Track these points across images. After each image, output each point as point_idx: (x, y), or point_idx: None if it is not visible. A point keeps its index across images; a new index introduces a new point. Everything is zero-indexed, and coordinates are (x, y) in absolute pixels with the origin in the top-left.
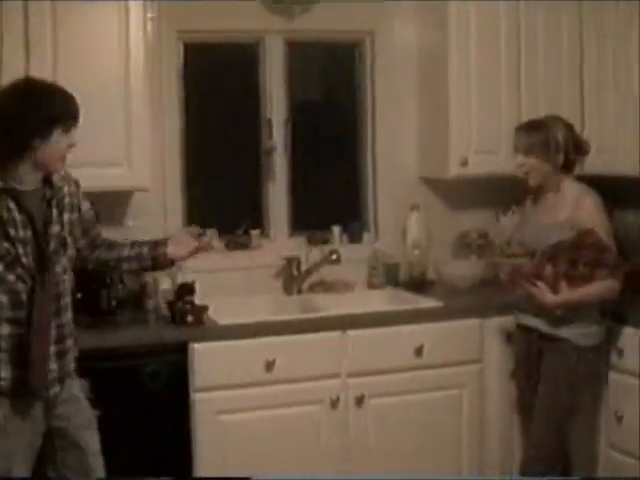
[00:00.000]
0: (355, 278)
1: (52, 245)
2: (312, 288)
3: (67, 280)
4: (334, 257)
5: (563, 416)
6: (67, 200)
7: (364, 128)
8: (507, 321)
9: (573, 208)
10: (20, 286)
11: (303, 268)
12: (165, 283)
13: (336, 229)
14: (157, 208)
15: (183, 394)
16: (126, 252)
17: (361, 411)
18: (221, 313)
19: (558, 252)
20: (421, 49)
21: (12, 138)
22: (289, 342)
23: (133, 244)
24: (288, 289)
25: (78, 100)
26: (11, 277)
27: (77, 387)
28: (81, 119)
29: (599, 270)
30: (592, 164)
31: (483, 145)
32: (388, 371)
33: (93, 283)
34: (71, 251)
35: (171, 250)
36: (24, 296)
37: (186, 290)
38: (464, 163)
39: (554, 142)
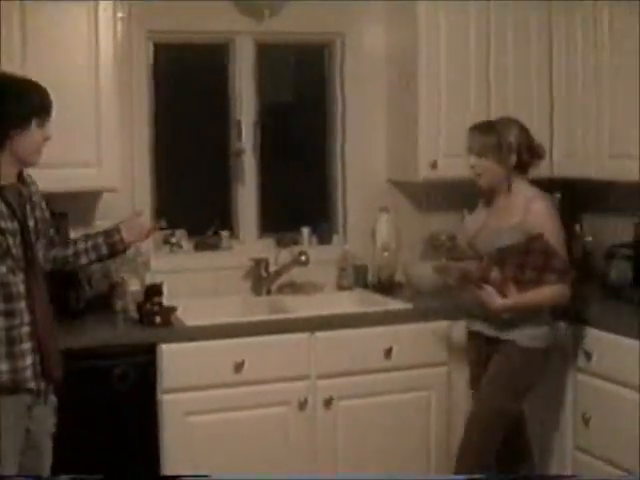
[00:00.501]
0: (324, 280)
1: (33, 237)
2: (281, 289)
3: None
4: (303, 258)
5: (498, 419)
6: (35, 198)
7: (334, 130)
8: None
9: (524, 212)
10: (11, 278)
11: (272, 269)
12: (134, 284)
13: (305, 230)
14: (126, 208)
15: (151, 395)
16: (82, 245)
17: (329, 413)
18: (190, 314)
19: (506, 256)
20: (391, 50)
21: None
22: (258, 343)
23: (87, 237)
24: (257, 290)
25: None
26: (2, 269)
27: (51, 390)
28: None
29: (547, 275)
30: (561, 166)
31: (452, 148)
32: (357, 373)
33: (61, 284)
34: (43, 248)
35: (126, 235)
36: (14, 288)
37: (154, 291)
38: (433, 166)
39: (506, 144)
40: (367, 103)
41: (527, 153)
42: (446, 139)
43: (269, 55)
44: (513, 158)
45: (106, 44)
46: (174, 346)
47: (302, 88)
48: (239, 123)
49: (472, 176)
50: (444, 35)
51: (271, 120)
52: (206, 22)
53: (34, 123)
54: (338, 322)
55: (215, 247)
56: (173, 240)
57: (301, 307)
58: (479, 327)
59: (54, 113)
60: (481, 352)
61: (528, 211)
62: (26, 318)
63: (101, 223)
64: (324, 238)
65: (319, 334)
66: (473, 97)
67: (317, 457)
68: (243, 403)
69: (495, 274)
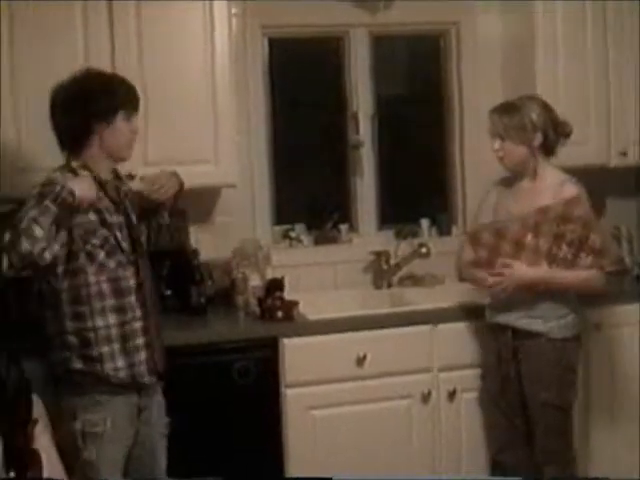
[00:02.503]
0: (445, 271)
1: (138, 233)
2: (402, 282)
3: None
4: (424, 250)
5: (560, 414)
6: (129, 196)
7: (451, 120)
8: None
9: (553, 195)
10: (120, 272)
11: (392, 262)
12: (254, 279)
13: (424, 222)
14: (245, 204)
15: (274, 390)
16: None
17: (453, 405)
18: (311, 308)
19: (543, 220)
20: (507, 40)
21: (80, 123)
22: (380, 336)
23: None
24: (377, 283)
25: (164, 98)
26: (112, 264)
27: (159, 390)
28: (168, 117)
29: (583, 255)
30: None
31: (573, 135)
32: (478, 365)
33: (182, 280)
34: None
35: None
36: (124, 283)
37: (276, 286)
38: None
39: (530, 123)
40: (483, 92)
41: (552, 131)
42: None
43: (384, 47)
44: (538, 137)
45: (221, 41)
46: (296, 340)
47: (418, 79)
48: (356, 116)
49: (497, 159)
50: (561, 26)
51: (388, 112)
52: (320, 15)
53: (120, 116)
54: (460, 314)
55: (334, 241)
56: (293, 235)
57: (422, 299)
58: (504, 319)
59: (170, 113)
60: (506, 345)
61: (559, 194)
62: (138, 313)
63: (220, 219)
64: (443, 229)
65: (441, 326)
66: (592, 89)
67: (441, 449)
68: (366, 396)
69: (530, 240)
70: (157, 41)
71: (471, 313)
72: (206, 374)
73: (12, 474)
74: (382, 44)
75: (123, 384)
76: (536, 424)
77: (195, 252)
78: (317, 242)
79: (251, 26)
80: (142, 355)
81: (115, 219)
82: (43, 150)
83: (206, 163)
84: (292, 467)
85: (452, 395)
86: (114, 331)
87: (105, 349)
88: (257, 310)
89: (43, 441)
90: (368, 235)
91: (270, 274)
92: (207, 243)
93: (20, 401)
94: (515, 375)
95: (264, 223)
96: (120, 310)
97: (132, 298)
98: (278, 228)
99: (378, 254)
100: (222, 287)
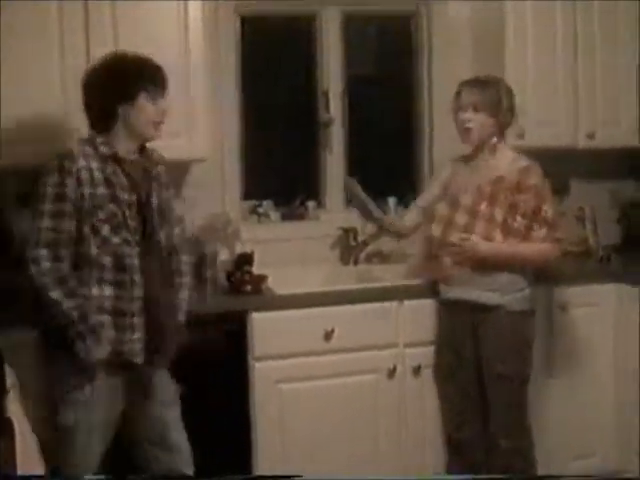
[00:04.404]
0: (410, 249)
1: (154, 216)
2: (369, 259)
3: (179, 261)
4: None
5: (516, 387)
6: (163, 179)
7: (420, 100)
8: None
9: (510, 169)
10: (125, 249)
11: (359, 239)
12: (223, 254)
13: (392, 200)
14: (215, 179)
15: (242, 362)
16: None
17: (418, 381)
18: (279, 283)
19: (498, 190)
20: (477, 20)
21: (102, 102)
22: (347, 312)
23: None
24: (345, 259)
25: None
26: (116, 240)
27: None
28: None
29: (536, 227)
30: None
31: (541, 117)
32: None
33: None
34: (171, 230)
35: None
36: (128, 260)
37: (245, 260)
38: (521, 137)
39: (502, 99)
40: (452, 74)
41: (511, 114)
42: (534, 110)
43: (355, 26)
44: (505, 115)
45: (194, 18)
46: (265, 314)
47: (388, 59)
48: (326, 94)
49: (460, 132)
50: (530, 8)
51: (358, 91)
52: None
53: (142, 97)
54: (425, 291)
55: (302, 217)
56: (261, 210)
57: (389, 276)
58: (461, 294)
59: None
60: (463, 319)
61: (516, 168)
62: (138, 292)
63: (189, 193)
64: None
65: (407, 303)
66: (560, 68)
67: (407, 424)
68: (333, 371)
69: (484, 209)
70: (131, 18)
71: (436, 290)
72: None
73: None
74: (353, 23)
75: (107, 357)
76: (492, 397)
77: None
78: (285, 218)
79: (224, 4)
80: (136, 334)
81: (127, 197)
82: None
83: (178, 137)
84: (260, 440)
85: (417, 370)
86: (107, 303)
87: (95, 319)
88: (226, 284)
89: (15, 410)
90: (336, 212)
91: (239, 249)
92: None
93: None
94: (472, 349)
95: (233, 198)
96: (118, 285)
97: (135, 276)
98: (246, 203)
99: (345, 231)
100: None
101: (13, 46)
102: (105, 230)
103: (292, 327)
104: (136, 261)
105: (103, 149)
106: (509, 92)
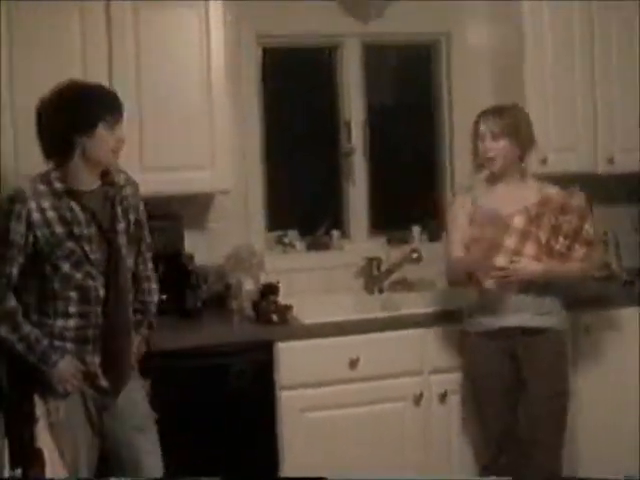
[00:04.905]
0: (435, 276)
1: (120, 240)
2: (393, 287)
3: (146, 269)
4: (415, 256)
5: (565, 405)
6: (130, 200)
7: (441, 128)
8: None
9: (539, 194)
10: (89, 282)
11: (384, 267)
12: (248, 284)
13: (415, 228)
14: (239, 210)
15: (269, 392)
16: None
17: (444, 407)
18: (304, 312)
19: (543, 211)
20: (496, 49)
21: (59, 136)
22: (372, 340)
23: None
24: (369, 288)
25: (160, 106)
26: (78, 275)
27: (137, 388)
28: (164, 124)
29: (577, 247)
30: None
31: (561, 143)
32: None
33: (177, 284)
34: (136, 250)
35: None
36: (94, 292)
37: (271, 290)
38: (544, 162)
39: (523, 126)
40: (473, 100)
41: (529, 138)
42: (554, 135)
43: (375, 56)
44: (528, 141)
45: (217, 49)
46: (291, 344)
47: (408, 88)
48: (348, 124)
49: (483, 162)
50: (549, 35)
51: (379, 120)
52: (313, 25)
53: (101, 127)
54: (450, 318)
55: (327, 246)
56: (286, 240)
57: (413, 303)
58: (512, 321)
59: (166, 119)
60: (506, 347)
61: (557, 190)
62: (99, 320)
63: (214, 225)
64: (434, 235)
65: (432, 330)
66: (579, 97)
67: (432, 450)
68: (359, 399)
69: (534, 232)
70: (154, 47)
71: (461, 316)
72: (202, 377)
73: (18, 472)
74: (374, 53)
75: (73, 382)
76: (535, 419)
77: (190, 257)
78: (310, 248)
79: (246, 34)
80: (97, 359)
81: (85, 231)
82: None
83: (202, 169)
84: (287, 468)
85: (443, 397)
86: (70, 333)
87: (58, 344)
88: (252, 314)
89: (45, 439)
90: (359, 241)
91: (264, 279)
92: (201, 248)
93: (23, 401)
94: (513, 373)
95: (257, 229)
96: (82, 316)
97: (98, 308)
98: (271, 234)
99: (370, 260)
100: (216, 292)
101: (30, 57)
102: (66, 267)
103: (318, 356)
104: (101, 292)
105: (57, 185)
106: (526, 118)
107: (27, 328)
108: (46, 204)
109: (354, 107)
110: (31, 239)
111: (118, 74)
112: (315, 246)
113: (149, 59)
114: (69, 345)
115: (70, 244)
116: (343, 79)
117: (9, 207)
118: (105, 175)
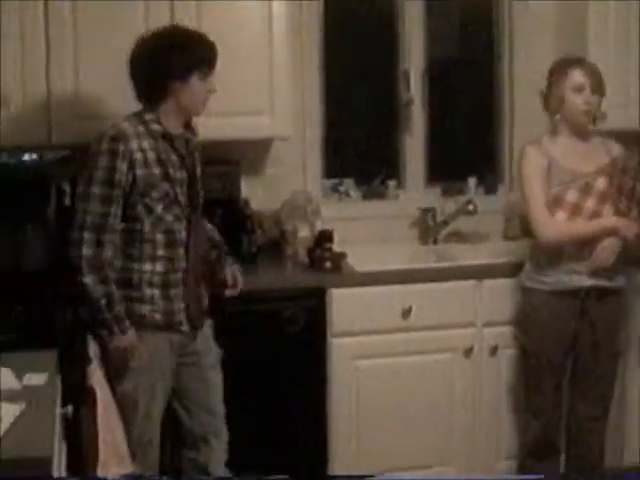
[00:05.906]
0: (490, 229)
1: (199, 185)
2: (447, 238)
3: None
4: (470, 208)
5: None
6: (198, 150)
7: (501, 81)
8: None
9: (606, 152)
10: (176, 225)
11: (439, 219)
12: (304, 231)
13: (472, 180)
14: (296, 157)
15: (320, 338)
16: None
17: (494, 361)
18: (358, 261)
19: (613, 172)
20: (559, 6)
21: (155, 80)
22: (425, 290)
23: None
24: (424, 239)
25: (221, 50)
26: (169, 217)
27: (208, 326)
28: (224, 69)
29: (633, 207)
30: None
31: (618, 100)
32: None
33: (233, 229)
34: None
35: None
36: (178, 235)
37: (325, 237)
38: (603, 118)
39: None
40: (534, 55)
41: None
42: (610, 94)
43: (438, 7)
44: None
45: None
46: (344, 291)
47: (470, 40)
48: (407, 74)
49: (580, 117)
50: None
51: (439, 71)
52: None
53: (195, 76)
54: (504, 270)
55: (382, 196)
56: (341, 189)
57: (467, 255)
58: (589, 282)
59: (227, 65)
60: (574, 308)
61: (611, 151)
62: (182, 264)
63: (271, 171)
64: (490, 188)
65: (485, 282)
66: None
67: (481, 403)
68: (409, 349)
69: (611, 193)
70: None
71: (515, 270)
72: (255, 321)
73: (70, 409)
74: (436, 3)
75: (159, 326)
76: (602, 376)
77: (246, 202)
78: (365, 197)
79: None
80: (180, 304)
81: (178, 174)
82: (102, 98)
83: (261, 115)
84: (335, 413)
85: (494, 351)
86: (157, 278)
87: (147, 292)
88: (306, 260)
89: (97, 378)
90: (415, 191)
91: (319, 227)
92: (258, 194)
93: (76, 341)
94: (586, 334)
95: (314, 176)
96: (169, 260)
97: (181, 250)
98: (327, 182)
99: (425, 210)
100: (272, 238)
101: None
102: (159, 209)
103: (370, 304)
104: (184, 235)
105: (154, 126)
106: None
107: (113, 286)
108: (145, 144)
109: (414, 57)
110: (130, 179)
111: (180, 18)
112: (371, 195)
113: (211, 5)
114: (157, 291)
115: (165, 185)
116: (405, 28)
117: (112, 146)
118: (187, 122)
